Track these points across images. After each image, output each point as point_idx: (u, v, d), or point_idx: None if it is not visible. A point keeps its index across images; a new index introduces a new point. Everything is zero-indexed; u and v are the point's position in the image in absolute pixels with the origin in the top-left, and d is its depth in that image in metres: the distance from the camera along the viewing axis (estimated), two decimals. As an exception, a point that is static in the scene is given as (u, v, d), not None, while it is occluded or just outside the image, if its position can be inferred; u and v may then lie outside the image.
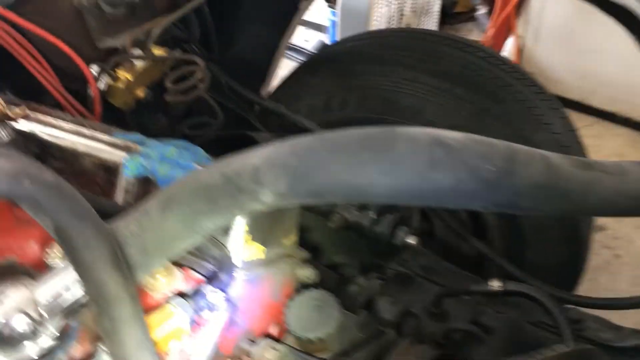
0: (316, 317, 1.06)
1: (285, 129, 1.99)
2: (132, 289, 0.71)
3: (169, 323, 0.87)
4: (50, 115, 1.23)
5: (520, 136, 1.80)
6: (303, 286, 1.21)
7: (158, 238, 0.84)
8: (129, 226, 0.80)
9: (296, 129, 1.95)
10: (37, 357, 0.83)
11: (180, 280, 0.98)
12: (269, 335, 1.11)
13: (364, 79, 1.99)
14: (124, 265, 0.70)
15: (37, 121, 1.17)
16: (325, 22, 4.31)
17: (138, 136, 1.25)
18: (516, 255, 1.94)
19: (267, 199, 0.79)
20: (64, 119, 1.24)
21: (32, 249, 1.03)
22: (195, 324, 0.89)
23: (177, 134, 1.81)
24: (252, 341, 1.09)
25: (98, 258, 0.67)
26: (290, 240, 1.18)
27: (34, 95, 1.43)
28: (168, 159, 1.15)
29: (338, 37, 3.57)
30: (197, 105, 1.87)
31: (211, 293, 0.93)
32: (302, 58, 4.37)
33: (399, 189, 0.71)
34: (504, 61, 2.01)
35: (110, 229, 0.72)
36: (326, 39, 4.45)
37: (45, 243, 1.04)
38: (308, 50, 4.43)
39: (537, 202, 0.72)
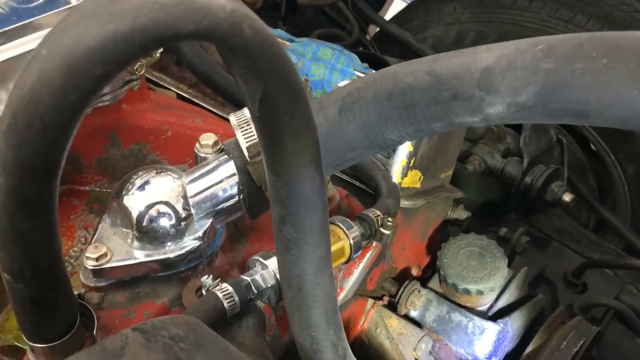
0: (478, 267, 0.91)
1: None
2: (325, 195, 0.56)
3: (332, 242, 0.73)
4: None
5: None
6: (457, 229, 1.05)
7: (330, 143, 0.69)
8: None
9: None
10: (176, 259, 0.71)
11: (336, 200, 0.84)
12: (411, 276, 0.97)
13: (509, 12, 1.77)
14: (322, 170, 0.55)
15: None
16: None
17: (282, 32, 1.09)
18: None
19: (494, 110, 0.61)
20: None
21: (167, 135, 0.90)
22: (357, 250, 0.75)
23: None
24: (395, 279, 0.95)
25: (303, 147, 0.52)
26: (447, 175, 1.02)
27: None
28: (322, 60, 0.99)
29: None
30: (322, 15, 1.70)
31: (373, 221, 0.78)
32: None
33: None
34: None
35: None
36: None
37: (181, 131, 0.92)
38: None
39: None
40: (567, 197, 1.24)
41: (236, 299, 0.65)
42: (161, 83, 1.08)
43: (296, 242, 0.56)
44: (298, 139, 0.52)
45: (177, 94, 1.06)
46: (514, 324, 0.94)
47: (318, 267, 0.58)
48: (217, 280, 0.66)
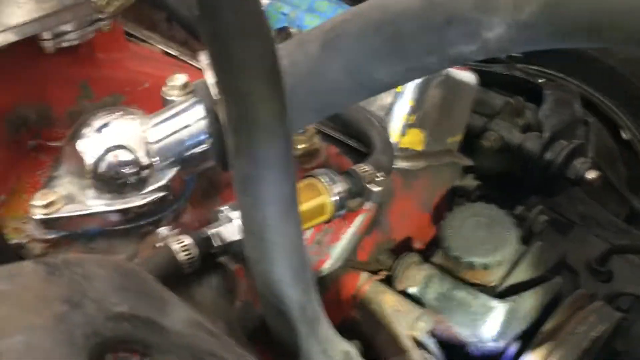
0: (485, 238, 0.81)
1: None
2: (287, 125, 0.48)
3: (311, 196, 0.64)
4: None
5: None
6: (462, 197, 0.95)
7: (312, 84, 0.61)
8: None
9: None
10: (136, 211, 0.63)
11: (322, 155, 0.75)
12: (412, 250, 0.87)
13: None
14: (283, 91, 0.47)
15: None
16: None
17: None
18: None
19: (493, 34, 0.53)
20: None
21: (144, 87, 0.83)
22: (341, 209, 0.66)
23: None
24: (393, 253, 0.85)
25: (253, 56, 0.43)
26: (455, 140, 0.93)
27: None
28: (318, 11, 0.91)
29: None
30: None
31: (361, 177, 0.69)
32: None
33: None
34: None
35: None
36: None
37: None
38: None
39: None
40: (590, 175, 1.13)
41: (194, 252, 0.57)
42: (149, 41, 1.01)
43: (254, 179, 0.48)
44: (246, 45, 0.44)
45: (165, 51, 0.99)
46: (525, 304, 0.84)
47: (281, 211, 0.49)
48: (175, 231, 0.58)
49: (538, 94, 1.26)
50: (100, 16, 0.73)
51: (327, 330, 0.57)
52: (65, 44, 0.72)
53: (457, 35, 0.54)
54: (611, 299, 1.13)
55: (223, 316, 0.58)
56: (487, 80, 1.19)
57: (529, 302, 0.85)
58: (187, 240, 0.56)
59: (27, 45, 0.69)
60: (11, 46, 0.66)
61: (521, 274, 0.87)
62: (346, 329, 0.83)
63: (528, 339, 0.85)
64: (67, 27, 0.70)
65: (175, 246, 0.56)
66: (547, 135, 1.15)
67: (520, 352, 0.84)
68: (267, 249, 0.51)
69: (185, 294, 0.57)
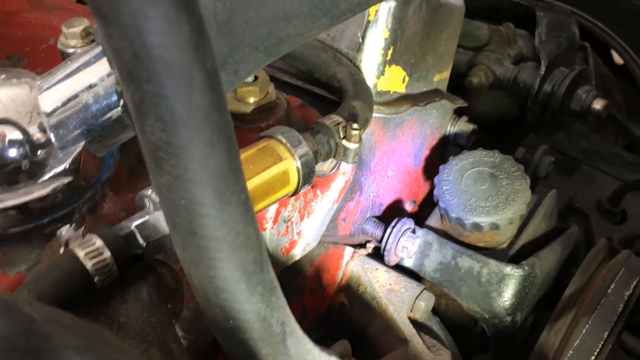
0: (491, 192, 0.66)
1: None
2: (210, 56, 0.32)
3: (269, 163, 0.48)
4: None
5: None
6: (458, 146, 0.80)
7: (252, 10, 0.46)
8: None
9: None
10: (34, 206, 0.47)
11: (281, 108, 0.59)
12: (403, 215, 0.72)
13: None
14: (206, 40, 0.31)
15: None
16: None
17: None
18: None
19: None
20: None
21: (49, 44, 0.66)
22: (309, 174, 0.50)
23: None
24: (381, 220, 0.70)
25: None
26: (442, 77, 0.77)
27: None
28: None
29: None
30: None
31: (332, 132, 0.53)
32: None
33: None
34: None
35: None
36: None
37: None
38: None
39: None
40: (598, 104, 0.98)
41: (107, 256, 0.41)
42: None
43: (169, 148, 0.32)
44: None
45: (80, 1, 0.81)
46: (544, 265, 0.70)
47: (215, 190, 0.34)
48: (79, 231, 0.42)
49: (530, 19, 1.10)
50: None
51: (301, 344, 0.42)
52: None
53: None
54: (629, 243, 1.01)
55: (157, 337, 0.42)
56: (467, 7, 1.01)
57: (547, 263, 0.71)
58: (98, 241, 0.41)
59: None
60: None
61: (535, 230, 0.73)
62: (334, 320, 0.69)
63: (548, 306, 0.72)
64: None
65: (80, 252, 0.40)
66: (545, 64, 1.00)
67: (540, 323, 0.71)
68: (203, 248, 0.35)
69: (103, 315, 0.41)
